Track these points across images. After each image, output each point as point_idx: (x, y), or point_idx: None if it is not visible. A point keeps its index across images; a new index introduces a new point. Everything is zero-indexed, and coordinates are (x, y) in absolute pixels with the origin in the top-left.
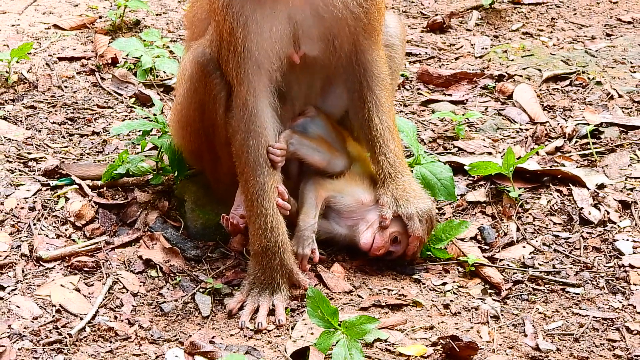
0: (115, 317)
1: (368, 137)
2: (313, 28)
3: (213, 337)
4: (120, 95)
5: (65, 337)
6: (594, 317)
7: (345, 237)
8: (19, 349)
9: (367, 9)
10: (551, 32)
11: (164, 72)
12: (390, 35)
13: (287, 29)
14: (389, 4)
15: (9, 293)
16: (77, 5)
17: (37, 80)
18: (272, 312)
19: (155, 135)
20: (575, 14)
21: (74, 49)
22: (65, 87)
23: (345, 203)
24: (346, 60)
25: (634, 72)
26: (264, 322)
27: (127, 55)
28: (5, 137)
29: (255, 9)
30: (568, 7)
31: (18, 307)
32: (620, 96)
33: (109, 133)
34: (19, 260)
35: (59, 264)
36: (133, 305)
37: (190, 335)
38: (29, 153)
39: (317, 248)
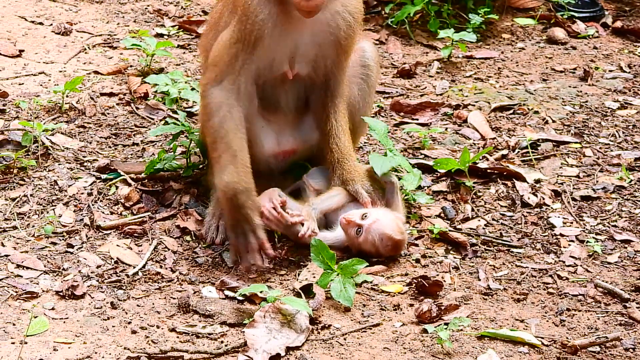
0: (161, 267)
1: (325, 132)
2: (310, 51)
3: (237, 279)
4: (153, 119)
5: (123, 278)
6: (532, 268)
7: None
8: (88, 286)
9: (352, 37)
10: (498, 77)
11: (186, 102)
12: (367, 57)
13: (289, 50)
14: None
15: (77, 250)
16: (111, 58)
17: (85, 109)
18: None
19: (183, 139)
20: (517, 65)
21: (112, 88)
22: (108, 113)
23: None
24: (323, 78)
25: (565, 105)
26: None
27: (156, 91)
28: (63, 146)
29: (274, 25)
30: (511, 60)
31: (85, 259)
32: (553, 121)
33: (147, 144)
34: (82, 228)
35: (114, 231)
36: (174, 259)
37: (220, 278)
38: (84, 157)
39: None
